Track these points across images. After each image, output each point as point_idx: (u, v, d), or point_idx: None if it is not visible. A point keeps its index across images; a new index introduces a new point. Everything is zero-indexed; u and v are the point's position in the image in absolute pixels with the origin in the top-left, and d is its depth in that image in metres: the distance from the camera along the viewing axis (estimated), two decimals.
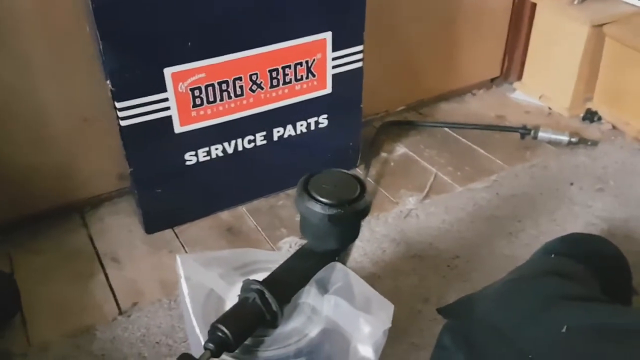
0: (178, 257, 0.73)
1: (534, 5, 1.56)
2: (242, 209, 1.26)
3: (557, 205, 1.23)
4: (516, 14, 1.62)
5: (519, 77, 1.69)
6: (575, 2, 1.52)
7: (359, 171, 1.36)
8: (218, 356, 0.66)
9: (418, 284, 1.05)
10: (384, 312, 0.71)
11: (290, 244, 1.14)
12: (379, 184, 1.33)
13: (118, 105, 1.03)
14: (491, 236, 1.16)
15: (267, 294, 0.69)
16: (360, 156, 1.37)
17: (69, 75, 1.14)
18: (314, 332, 0.71)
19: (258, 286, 0.69)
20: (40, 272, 1.10)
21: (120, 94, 1.02)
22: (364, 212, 0.76)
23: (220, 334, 0.66)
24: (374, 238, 1.16)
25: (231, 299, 0.73)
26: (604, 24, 1.45)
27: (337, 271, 0.76)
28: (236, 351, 0.68)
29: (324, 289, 0.74)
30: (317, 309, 0.73)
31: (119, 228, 1.21)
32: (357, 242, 1.14)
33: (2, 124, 1.12)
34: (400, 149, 1.44)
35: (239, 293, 0.72)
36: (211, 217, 1.24)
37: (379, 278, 1.06)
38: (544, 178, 1.32)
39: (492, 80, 1.72)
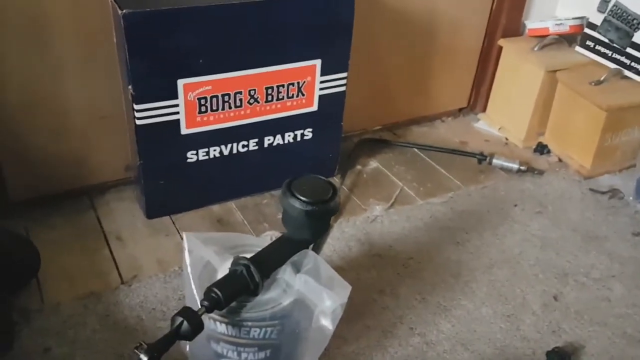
0: (185, 234, 0.89)
1: (501, 47, 1.76)
2: (232, 204, 1.42)
3: (501, 222, 1.42)
4: (485, 53, 1.80)
5: (484, 109, 1.85)
6: (535, 49, 1.73)
7: (335, 180, 1.53)
8: (211, 312, 0.83)
9: (376, 278, 1.24)
10: (343, 290, 0.87)
11: (270, 237, 1.31)
12: (352, 192, 1.51)
13: (136, 107, 1.19)
14: (442, 243, 1.34)
15: (252, 268, 0.85)
16: (338, 167, 1.54)
17: (92, 77, 1.27)
18: (286, 301, 0.87)
19: (245, 262, 0.86)
20: (54, 245, 1.24)
21: (139, 98, 1.18)
22: (334, 211, 0.94)
23: (213, 294, 0.82)
24: (343, 237, 1.34)
25: (222, 271, 0.88)
26: (557, 70, 1.65)
27: (309, 256, 0.92)
28: (224, 310, 0.85)
29: (297, 269, 0.90)
30: (290, 284, 0.89)
31: (123, 212, 1.36)
32: (329, 240, 1.33)
33: (29, 113, 1.25)
34: (374, 164, 1.62)
35: (230, 266, 0.90)
36: (204, 209, 1.39)
37: (343, 270, 1.23)
38: (493, 198, 1.51)
39: (460, 110, 1.88)
